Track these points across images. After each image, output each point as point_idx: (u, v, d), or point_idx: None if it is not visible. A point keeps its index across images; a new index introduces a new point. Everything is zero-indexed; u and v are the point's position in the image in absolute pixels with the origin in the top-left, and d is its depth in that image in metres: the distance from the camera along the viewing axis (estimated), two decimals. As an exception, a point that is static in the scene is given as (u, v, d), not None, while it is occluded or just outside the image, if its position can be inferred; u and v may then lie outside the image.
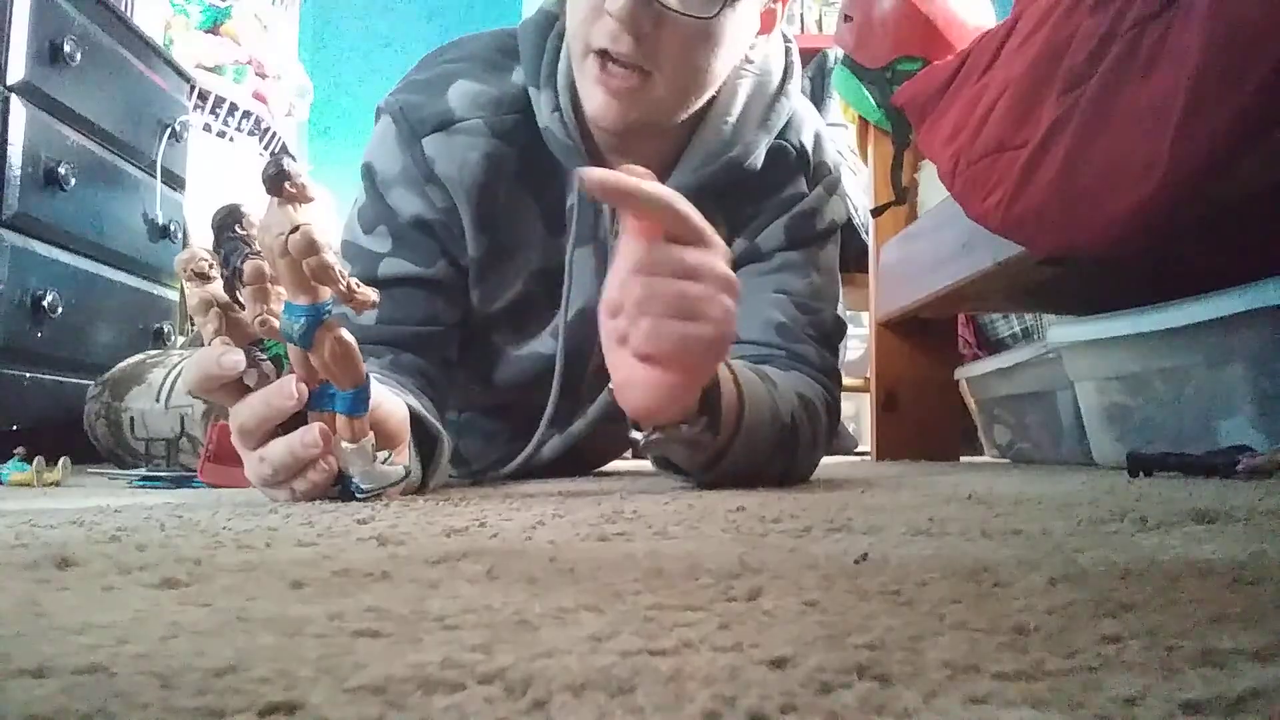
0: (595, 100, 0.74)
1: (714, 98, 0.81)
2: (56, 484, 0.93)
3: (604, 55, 0.71)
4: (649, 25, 0.69)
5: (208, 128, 2.38)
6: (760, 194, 0.86)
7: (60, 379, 1.52)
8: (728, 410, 0.66)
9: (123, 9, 1.86)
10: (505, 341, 0.90)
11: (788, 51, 0.87)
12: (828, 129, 2.22)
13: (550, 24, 0.82)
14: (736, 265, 0.86)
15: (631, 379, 0.58)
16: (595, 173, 0.54)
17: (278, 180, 0.51)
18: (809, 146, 0.88)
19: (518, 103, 0.82)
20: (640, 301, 0.56)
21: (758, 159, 0.84)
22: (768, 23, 0.80)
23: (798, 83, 0.87)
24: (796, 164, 0.87)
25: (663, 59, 0.72)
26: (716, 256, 0.58)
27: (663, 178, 0.81)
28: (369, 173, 0.82)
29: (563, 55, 0.79)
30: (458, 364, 0.88)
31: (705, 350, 0.58)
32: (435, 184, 0.81)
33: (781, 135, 0.86)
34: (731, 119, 0.82)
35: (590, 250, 0.85)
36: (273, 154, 2.60)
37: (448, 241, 0.83)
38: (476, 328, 0.89)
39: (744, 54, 0.80)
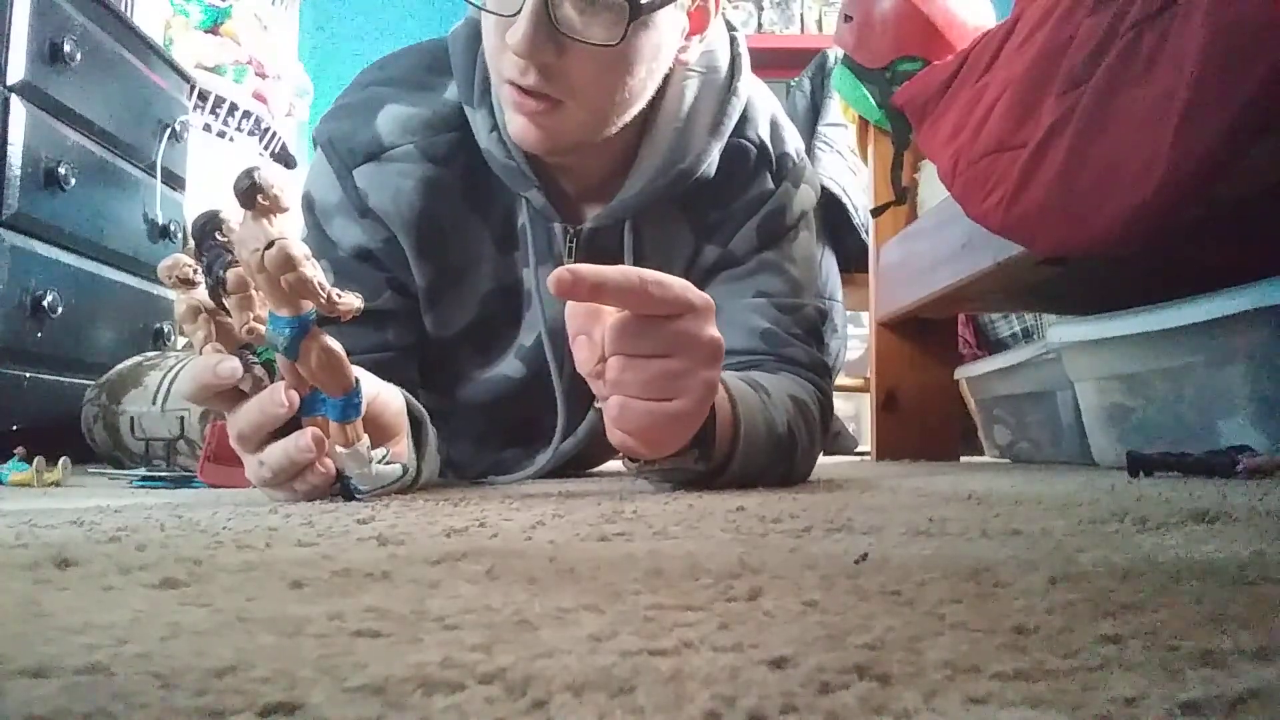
0: (515, 125, 0.71)
1: (660, 102, 0.78)
2: (56, 484, 0.93)
3: (514, 85, 0.69)
4: (552, 56, 0.66)
5: (208, 128, 2.38)
6: (725, 198, 0.83)
7: (60, 379, 1.52)
8: (721, 436, 0.66)
9: (123, 9, 1.86)
10: (470, 365, 0.88)
11: (733, 42, 0.84)
12: (827, 127, 2.19)
13: (479, 36, 0.78)
14: (711, 273, 0.85)
15: (613, 429, 0.58)
16: (560, 277, 0.53)
17: (250, 193, 0.50)
18: (768, 140, 0.85)
19: (452, 121, 0.79)
20: (613, 382, 0.56)
21: (710, 167, 0.81)
22: (699, 22, 0.76)
23: (747, 74, 0.83)
24: (758, 162, 0.84)
25: (573, 87, 0.69)
26: (701, 322, 0.57)
27: (613, 190, 0.80)
28: (309, 204, 0.81)
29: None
30: (423, 386, 0.86)
31: (676, 425, 0.58)
32: (371, 217, 0.79)
33: (739, 133, 0.83)
34: (680, 124, 0.79)
35: (552, 269, 0.83)
36: (273, 154, 2.60)
37: (394, 268, 0.81)
38: (439, 351, 0.87)
39: (670, 62, 0.76)
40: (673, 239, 0.84)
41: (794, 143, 0.88)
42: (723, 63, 0.82)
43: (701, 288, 0.86)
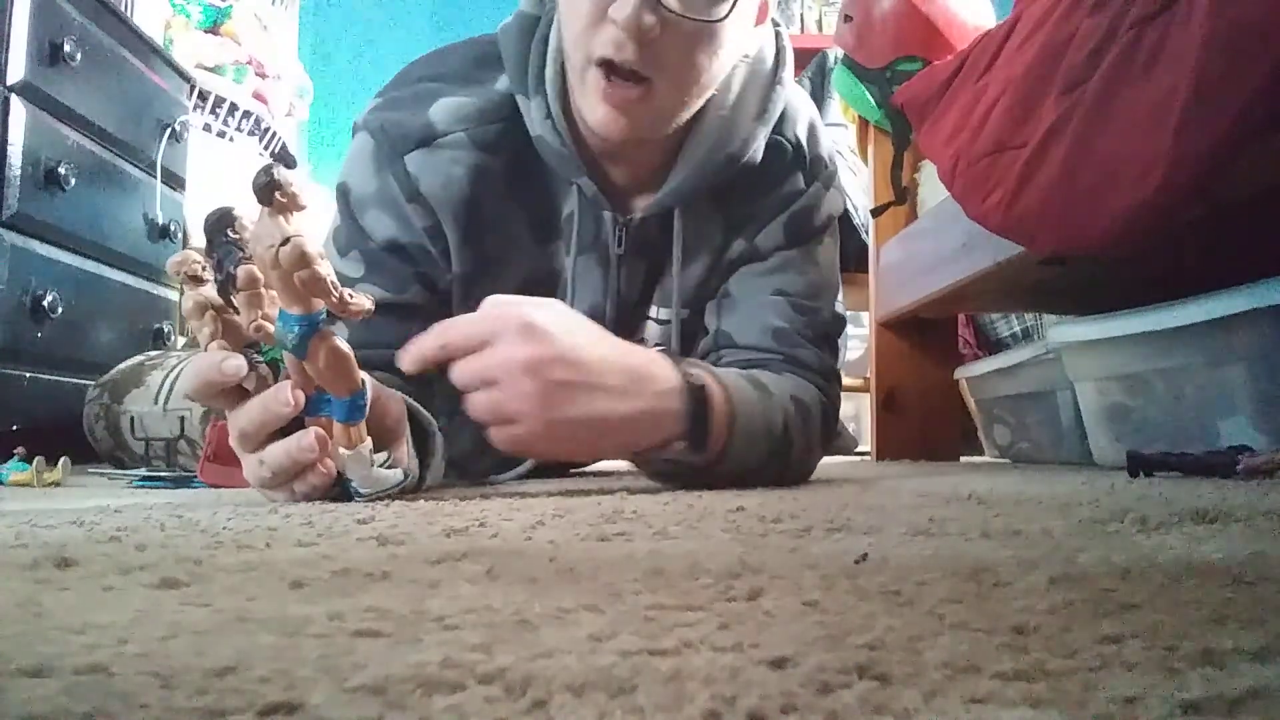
0: (599, 114, 0.73)
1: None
2: (56, 484, 0.93)
3: (607, 66, 0.70)
4: (657, 29, 0.68)
5: (208, 128, 2.38)
6: (758, 192, 0.85)
7: (60, 379, 1.52)
8: (717, 429, 0.67)
9: (123, 9, 1.86)
10: None
11: (778, 36, 0.86)
12: (826, 127, 2.22)
13: (532, 28, 0.80)
14: (734, 266, 0.86)
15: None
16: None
17: (268, 190, 0.50)
18: (804, 140, 0.87)
19: (501, 111, 0.80)
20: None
21: (757, 152, 0.83)
22: (762, 13, 0.79)
23: (790, 69, 0.85)
24: (793, 160, 0.86)
25: (666, 65, 0.71)
26: (505, 346, 0.61)
27: (661, 178, 0.82)
28: (344, 193, 0.81)
29: (549, 61, 0.78)
30: (441, 379, 0.87)
31: (538, 442, 0.63)
32: (418, 202, 0.79)
33: (777, 130, 0.85)
34: (726, 111, 0.81)
35: (593, 259, 0.84)
36: (273, 154, 2.60)
37: (423, 264, 0.81)
38: None
39: (744, 47, 0.79)
40: (708, 231, 0.86)
41: (828, 148, 0.90)
42: (768, 54, 0.84)
43: (724, 279, 0.88)
